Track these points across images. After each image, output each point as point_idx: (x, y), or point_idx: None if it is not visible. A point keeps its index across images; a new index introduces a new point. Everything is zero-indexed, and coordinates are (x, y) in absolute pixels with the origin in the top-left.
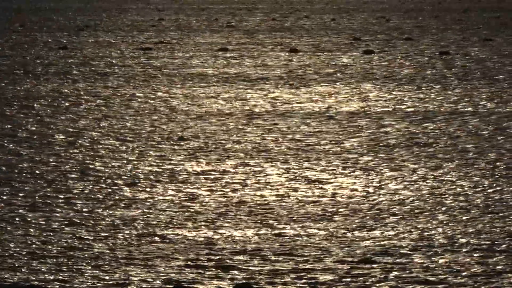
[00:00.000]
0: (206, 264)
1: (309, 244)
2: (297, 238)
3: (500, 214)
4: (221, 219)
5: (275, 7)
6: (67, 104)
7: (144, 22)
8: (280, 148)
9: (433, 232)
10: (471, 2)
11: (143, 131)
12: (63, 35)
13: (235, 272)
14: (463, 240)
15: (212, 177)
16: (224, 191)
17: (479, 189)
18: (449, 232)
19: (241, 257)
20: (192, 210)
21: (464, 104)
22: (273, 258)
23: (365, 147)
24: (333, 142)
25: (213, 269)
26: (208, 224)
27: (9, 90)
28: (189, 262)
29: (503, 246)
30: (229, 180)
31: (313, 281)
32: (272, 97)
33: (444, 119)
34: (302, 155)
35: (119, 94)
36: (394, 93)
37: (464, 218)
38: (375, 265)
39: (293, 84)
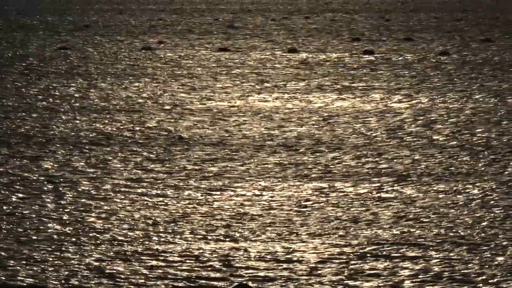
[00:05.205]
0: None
1: None
2: None
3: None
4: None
5: (275, 8)
6: (66, 103)
7: (144, 22)
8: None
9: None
10: (471, 2)
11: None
12: (62, 35)
13: None
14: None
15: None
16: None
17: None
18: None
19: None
20: None
21: (381, 105)
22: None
23: (223, 147)
24: (207, 139)
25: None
26: None
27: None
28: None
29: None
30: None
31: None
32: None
33: (347, 121)
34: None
35: (119, 94)
36: (328, 94)
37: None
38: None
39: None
